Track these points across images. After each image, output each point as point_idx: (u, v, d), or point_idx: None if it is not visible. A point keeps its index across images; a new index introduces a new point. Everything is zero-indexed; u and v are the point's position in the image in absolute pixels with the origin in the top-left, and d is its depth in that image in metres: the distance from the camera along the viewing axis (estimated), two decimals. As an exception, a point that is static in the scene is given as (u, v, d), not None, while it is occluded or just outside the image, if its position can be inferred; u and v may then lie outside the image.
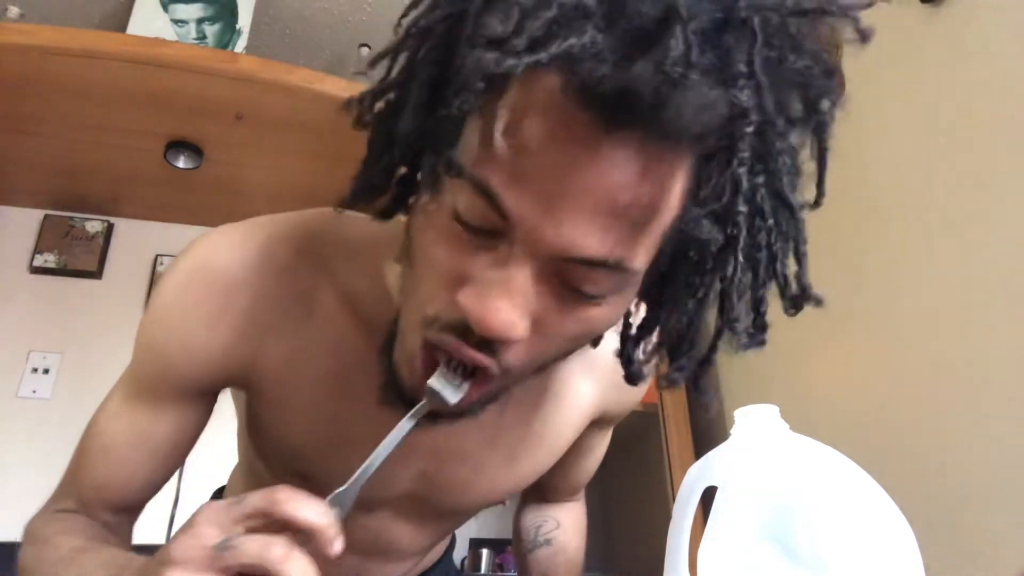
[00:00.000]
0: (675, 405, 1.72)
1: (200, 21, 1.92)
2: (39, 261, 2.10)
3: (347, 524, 0.60)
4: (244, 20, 1.96)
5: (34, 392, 1.97)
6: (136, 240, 2.24)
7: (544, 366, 0.47)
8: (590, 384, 0.69)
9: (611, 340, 0.52)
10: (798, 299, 0.44)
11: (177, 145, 1.93)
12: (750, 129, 0.37)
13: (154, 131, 1.88)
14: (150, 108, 1.79)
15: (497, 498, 0.70)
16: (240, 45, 1.92)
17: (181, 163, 1.97)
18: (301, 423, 0.60)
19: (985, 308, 1.02)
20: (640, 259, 0.40)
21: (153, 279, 2.19)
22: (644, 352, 0.50)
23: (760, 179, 0.40)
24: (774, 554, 0.55)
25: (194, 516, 0.40)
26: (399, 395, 0.48)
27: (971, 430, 1.02)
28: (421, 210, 0.44)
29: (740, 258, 0.41)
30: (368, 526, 0.69)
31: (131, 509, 0.64)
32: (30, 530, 0.62)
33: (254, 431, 0.66)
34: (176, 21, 1.90)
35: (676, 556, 0.66)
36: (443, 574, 0.89)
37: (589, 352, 0.58)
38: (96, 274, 2.15)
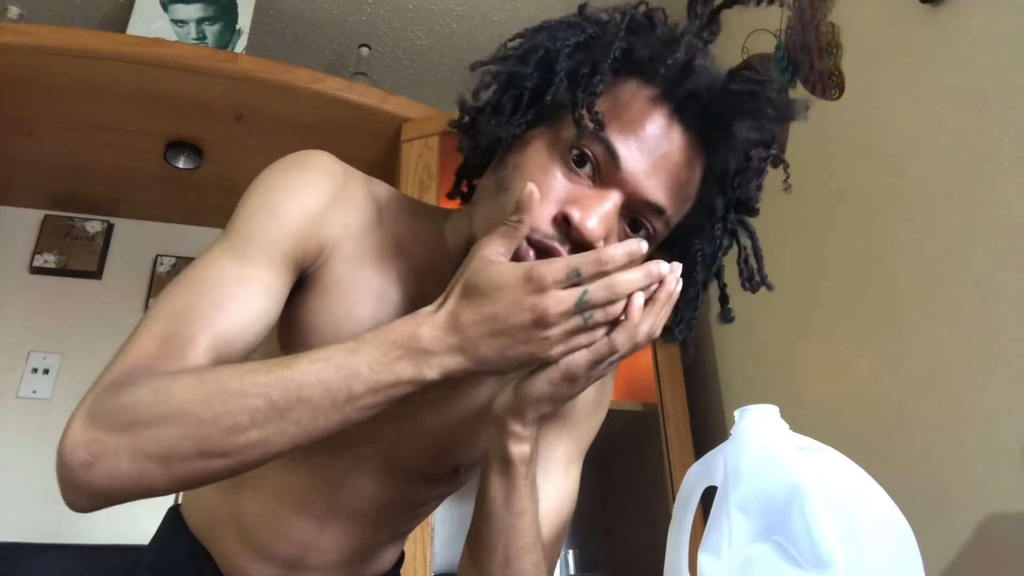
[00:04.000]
0: (675, 405, 1.72)
1: (200, 21, 1.92)
2: (39, 261, 2.10)
3: (310, 478, 0.72)
4: (244, 20, 1.95)
5: (34, 392, 1.97)
6: (136, 240, 2.24)
7: None
8: None
9: None
10: (753, 281, 0.66)
11: (177, 145, 1.94)
12: (765, 154, 0.61)
13: (154, 131, 1.88)
14: (150, 108, 1.79)
15: (454, 457, 0.73)
16: (240, 45, 1.92)
17: (181, 163, 1.97)
18: (339, 321, 0.66)
19: (984, 308, 1.02)
20: (674, 218, 0.60)
21: (153, 279, 2.19)
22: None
23: (743, 194, 0.63)
24: (774, 554, 0.55)
25: (513, 278, 0.50)
26: None
27: (971, 430, 1.02)
28: (531, 147, 0.60)
29: (718, 237, 0.64)
30: (330, 475, 0.70)
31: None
32: (133, 394, 0.52)
33: (288, 345, 0.67)
34: (176, 21, 1.90)
35: (676, 556, 0.66)
36: None
37: None
38: (96, 274, 2.15)
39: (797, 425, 0.66)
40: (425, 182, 1.73)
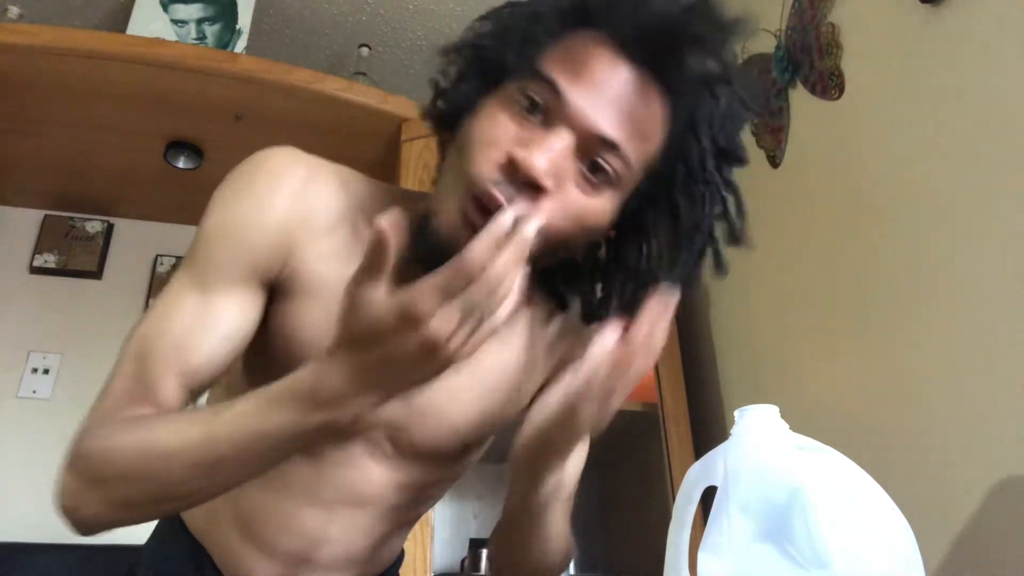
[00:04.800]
0: (675, 405, 1.72)
1: (200, 21, 1.92)
2: (39, 261, 2.10)
3: (317, 467, 0.71)
4: (244, 20, 1.95)
5: (34, 392, 1.97)
6: (136, 240, 2.24)
7: (551, 250, 0.60)
8: (561, 344, 0.78)
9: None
10: (735, 235, 0.64)
11: (177, 145, 1.93)
12: (731, 90, 0.60)
13: (154, 131, 1.88)
14: (150, 108, 1.79)
15: (466, 434, 0.74)
16: (240, 45, 1.92)
17: (181, 163, 1.97)
18: (323, 322, 0.64)
19: (984, 308, 1.02)
20: (634, 157, 0.59)
21: (153, 279, 2.19)
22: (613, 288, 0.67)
23: (713, 134, 0.61)
24: (774, 554, 0.55)
25: (403, 309, 0.45)
26: (435, 254, 0.56)
27: (970, 430, 1.02)
28: (485, 107, 0.60)
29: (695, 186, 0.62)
30: (339, 462, 0.70)
31: (197, 396, 0.64)
32: (99, 443, 0.56)
33: (270, 350, 0.67)
34: (176, 21, 1.90)
35: (676, 556, 0.66)
36: None
37: (572, 322, 0.76)
38: (96, 274, 2.15)
39: (797, 425, 0.66)
40: (425, 182, 1.73)
